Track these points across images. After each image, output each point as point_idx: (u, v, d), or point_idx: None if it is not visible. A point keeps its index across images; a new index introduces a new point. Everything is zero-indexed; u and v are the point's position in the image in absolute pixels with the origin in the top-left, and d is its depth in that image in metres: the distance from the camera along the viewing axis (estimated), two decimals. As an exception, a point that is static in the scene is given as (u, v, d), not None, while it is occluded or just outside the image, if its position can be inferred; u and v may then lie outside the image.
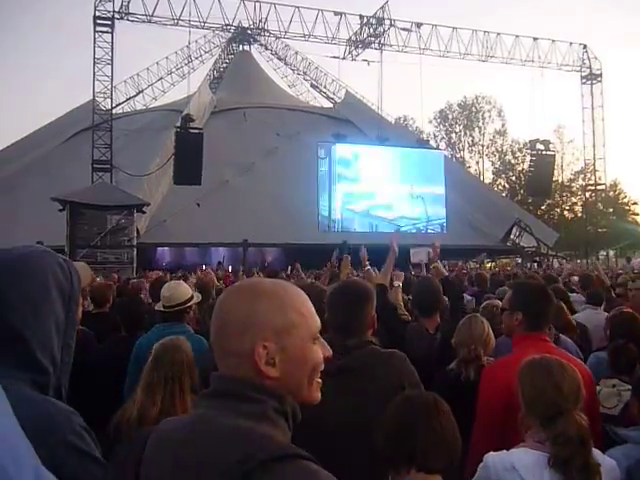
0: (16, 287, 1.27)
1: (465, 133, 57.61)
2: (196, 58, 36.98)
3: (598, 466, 1.76)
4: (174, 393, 2.53)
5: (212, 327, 1.11)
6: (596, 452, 1.84)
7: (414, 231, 24.52)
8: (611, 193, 41.75)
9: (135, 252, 18.24)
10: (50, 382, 1.29)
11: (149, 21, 25.04)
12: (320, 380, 1.14)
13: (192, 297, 3.90)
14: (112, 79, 22.28)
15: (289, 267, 13.09)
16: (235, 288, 1.16)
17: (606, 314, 4.46)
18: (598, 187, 32.05)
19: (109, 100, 22.59)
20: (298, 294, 1.15)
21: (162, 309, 3.80)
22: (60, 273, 1.35)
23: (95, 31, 21.97)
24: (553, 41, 29.30)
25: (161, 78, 36.78)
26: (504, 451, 1.87)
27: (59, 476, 1.14)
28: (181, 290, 3.87)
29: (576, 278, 8.25)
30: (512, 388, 2.05)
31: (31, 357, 1.26)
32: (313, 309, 1.16)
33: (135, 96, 36.28)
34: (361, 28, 28.13)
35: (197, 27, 27.07)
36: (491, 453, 1.88)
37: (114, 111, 24.07)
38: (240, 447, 0.95)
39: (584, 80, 30.32)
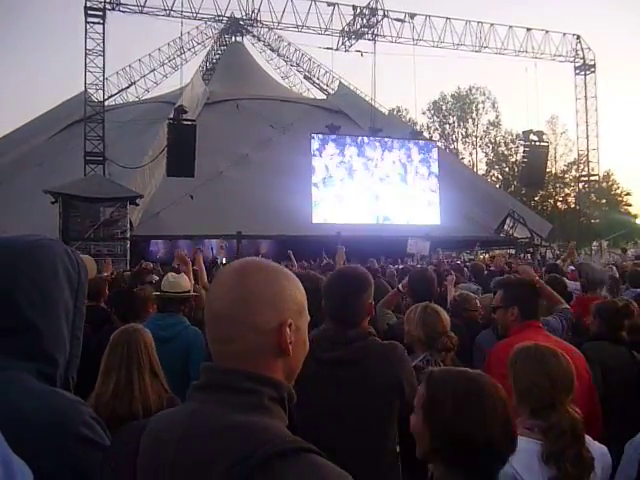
0: (27, 274, 1.22)
1: (459, 124, 57.69)
2: (188, 49, 36.95)
3: (592, 459, 1.75)
4: (131, 372, 2.52)
5: (225, 302, 1.02)
6: (587, 439, 1.83)
7: (408, 222, 24.56)
8: (604, 184, 41.91)
9: (128, 245, 18.17)
10: (58, 373, 1.25)
11: (141, 12, 24.81)
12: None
13: (190, 291, 4.00)
14: (104, 71, 22.07)
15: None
16: (251, 264, 1.08)
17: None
18: (591, 178, 32.09)
19: (101, 92, 22.39)
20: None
21: (162, 294, 3.82)
22: (68, 262, 1.32)
23: (86, 22, 21.71)
24: (546, 32, 29.24)
25: (153, 70, 36.66)
26: None
27: (74, 469, 1.13)
28: (184, 280, 3.98)
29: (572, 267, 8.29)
30: None
31: (40, 347, 1.21)
32: None
33: (127, 88, 36.18)
34: (354, 19, 27.98)
35: (189, 18, 26.95)
36: None
37: (106, 103, 23.88)
38: (237, 445, 0.89)
39: (577, 71, 30.30)
